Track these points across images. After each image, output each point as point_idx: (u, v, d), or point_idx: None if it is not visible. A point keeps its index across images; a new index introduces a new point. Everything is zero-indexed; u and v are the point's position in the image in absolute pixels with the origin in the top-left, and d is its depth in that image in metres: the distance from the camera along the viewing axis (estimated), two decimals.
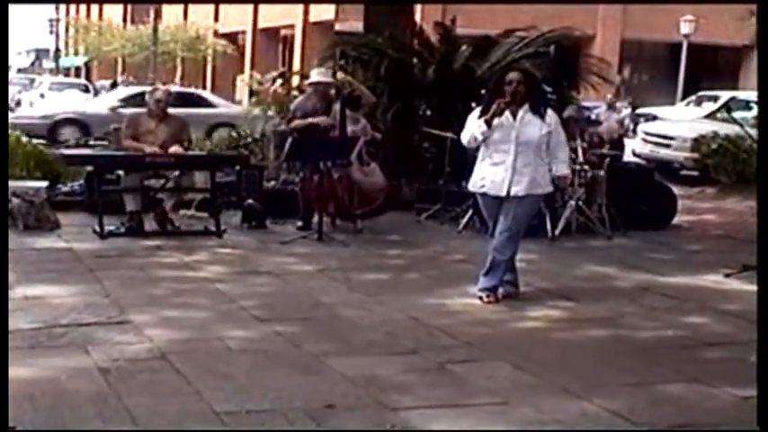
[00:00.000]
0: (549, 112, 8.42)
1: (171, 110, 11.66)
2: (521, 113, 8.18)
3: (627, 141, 20.27)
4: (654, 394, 6.06)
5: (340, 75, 12.28)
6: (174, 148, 11.05)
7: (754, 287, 9.21)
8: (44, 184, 11.73)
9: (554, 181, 8.55)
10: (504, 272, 8.41)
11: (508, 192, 8.17)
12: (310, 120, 11.57)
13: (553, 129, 8.30)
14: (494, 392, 5.96)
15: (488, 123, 8.11)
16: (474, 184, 8.48)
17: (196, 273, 9.12)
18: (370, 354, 6.70)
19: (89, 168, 11.69)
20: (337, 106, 11.39)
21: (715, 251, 11.56)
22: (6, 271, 8.36)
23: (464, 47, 15.18)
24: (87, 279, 8.57)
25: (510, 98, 8.12)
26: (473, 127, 8.25)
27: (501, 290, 8.41)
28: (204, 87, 49.88)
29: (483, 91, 10.69)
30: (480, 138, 8.19)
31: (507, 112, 8.16)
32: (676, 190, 14.32)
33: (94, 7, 68.72)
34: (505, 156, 8.17)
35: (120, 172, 11.32)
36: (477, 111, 8.41)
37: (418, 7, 29.73)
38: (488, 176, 8.28)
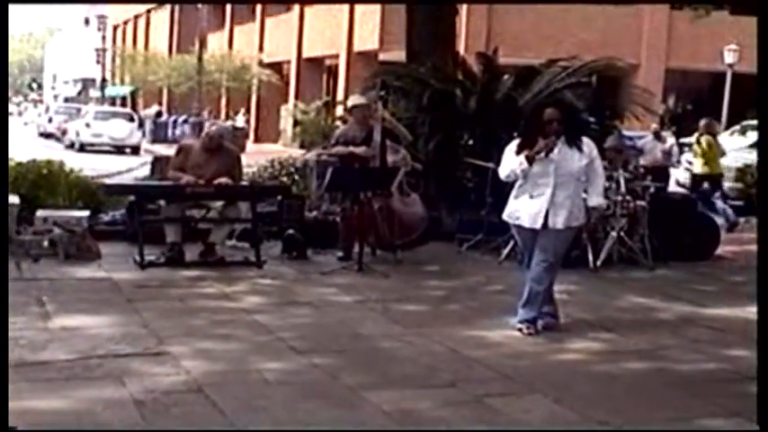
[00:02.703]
0: (586, 140, 8.37)
1: None
2: (559, 146, 8.13)
3: (671, 171, 20.10)
4: (695, 428, 5.97)
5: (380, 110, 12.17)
6: (222, 180, 10.99)
7: None
8: (86, 213, 11.77)
9: (587, 211, 8.49)
10: (543, 303, 8.35)
11: (545, 224, 8.12)
12: (351, 148, 11.54)
13: (591, 158, 8.26)
14: (531, 426, 5.89)
15: (530, 161, 8.08)
16: (510, 215, 8.41)
17: (235, 304, 9.09)
18: (407, 387, 6.64)
19: (130, 198, 11.74)
20: (378, 137, 11.37)
21: None
22: (6, 269, 8.40)
23: (506, 77, 15.13)
24: (126, 309, 8.56)
25: (555, 137, 8.09)
26: (513, 162, 8.21)
27: (541, 321, 8.35)
28: (249, 117, 50.19)
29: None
30: (520, 174, 8.17)
31: None
32: (720, 221, 14.18)
33: (141, 37, 69.46)
34: (545, 188, 8.13)
35: (162, 202, 11.36)
36: (513, 144, 8.36)
37: (462, 38, 29.88)
38: (524, 208, 8.23)
